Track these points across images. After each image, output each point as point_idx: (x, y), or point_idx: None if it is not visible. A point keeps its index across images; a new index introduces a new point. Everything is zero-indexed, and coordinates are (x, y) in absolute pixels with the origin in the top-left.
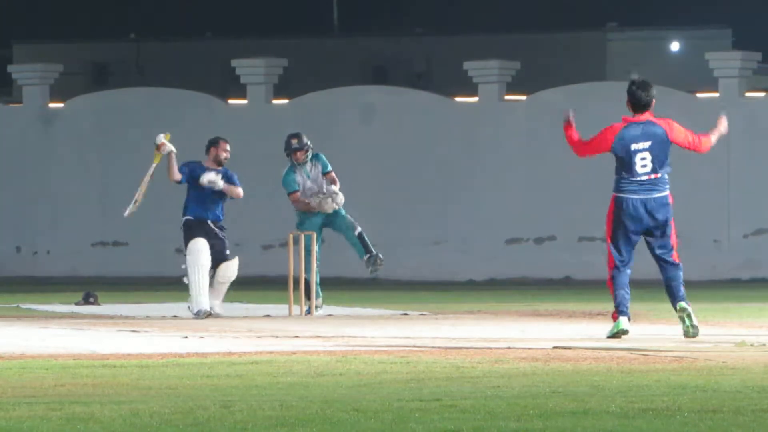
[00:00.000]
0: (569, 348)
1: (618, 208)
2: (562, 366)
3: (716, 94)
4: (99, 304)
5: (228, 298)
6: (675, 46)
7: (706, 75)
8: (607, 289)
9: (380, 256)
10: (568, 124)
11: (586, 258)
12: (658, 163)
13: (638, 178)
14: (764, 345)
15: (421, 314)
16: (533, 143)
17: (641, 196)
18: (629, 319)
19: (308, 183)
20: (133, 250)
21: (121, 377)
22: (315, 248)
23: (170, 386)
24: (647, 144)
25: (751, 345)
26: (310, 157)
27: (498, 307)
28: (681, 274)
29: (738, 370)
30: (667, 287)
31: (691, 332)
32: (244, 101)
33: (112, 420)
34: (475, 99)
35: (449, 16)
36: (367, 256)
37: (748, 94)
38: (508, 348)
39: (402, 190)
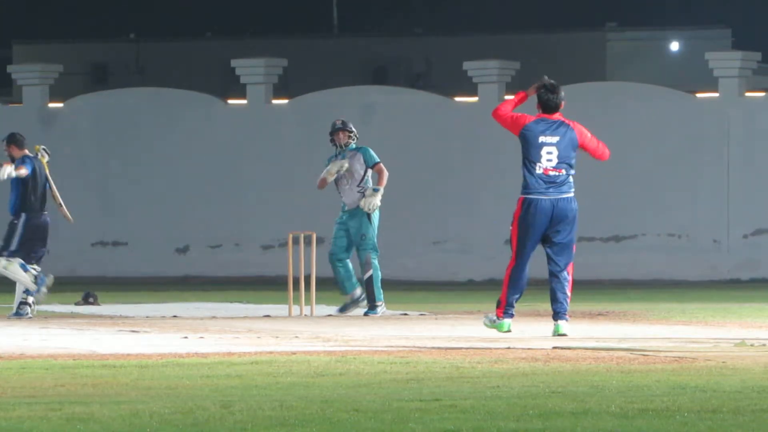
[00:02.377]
0: (569, 348)
1: (526, 211)
2: (561, 366)
3: (716, 94)
4: (99, 304)
5: (228, 298)
6: (675, 46)
7: (706, 75)
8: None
9: (375, 312)
10: (524, 94)
11: (585, 258)
12: (563, 160)
13: (543, 174)
14: (764, 345)
15: (421, 314)
16: None
17: (550, 197)
18: (512, 318)
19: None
20: (132, 250)
21: (120, 377)
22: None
23: (170, 386)
24: (555, 139)
25: (751, 345)
26: (352, 146)
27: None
28: (567, 287)
29: (738, 370)
30: (552, 294)
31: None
32: (244, 101)
33: (112, 420)
34: (474, 99)
35: (449, 16)
36: (367, 305)
37: (747, 94)
38: (508, 348)
39: (402, 190)
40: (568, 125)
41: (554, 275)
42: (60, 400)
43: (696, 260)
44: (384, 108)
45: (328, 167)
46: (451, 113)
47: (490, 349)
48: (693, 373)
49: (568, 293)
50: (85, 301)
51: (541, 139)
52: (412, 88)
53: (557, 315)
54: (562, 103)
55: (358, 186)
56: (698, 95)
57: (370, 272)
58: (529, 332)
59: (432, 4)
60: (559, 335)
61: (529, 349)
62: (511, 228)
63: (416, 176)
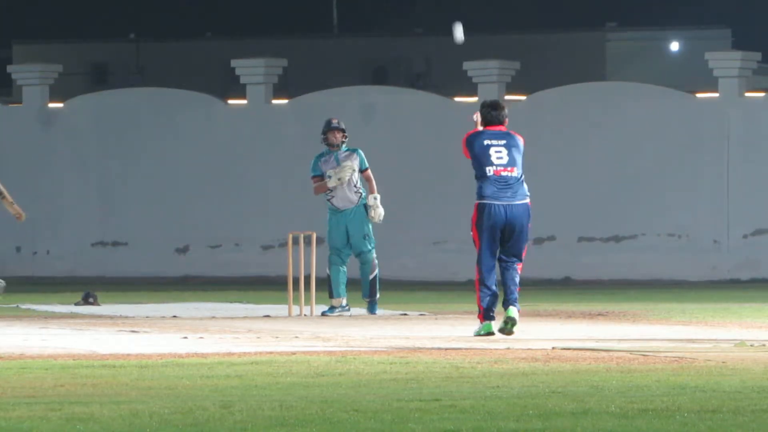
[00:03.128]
0: (569, 348)
1: (481, 216)
2: (561, 366)
3: (716, 94)
4: (99, 304)
5: (228, 298)
6: (675, 46)
7: (706, 75)
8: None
9: (376, 310)
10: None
11: (585, 258)
12: (513, 160)
13: (495, 175)
14: (764, 345)
15: (421, 314)
16: (533, 143)
17: (503, 202)
18: (494, 320)
19: (336, 168)
20: (132, 250)
21: (120, 377)
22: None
23: (170, 386)
24: (502, 142)
25: (751, 345)
26: (345, 146)
27: (498, 307)
28: (517, 277)
29: (737, 370)
30: (504, 285)
31: (506, 330)
32: (244, 101)
33: (112, 420)
34: (474, 99)
35: (449, 16)
36: (368, 299)
37: (747, 94)
38: (508, 348)
39: (402, 190)
40: (514, 135)
41: (504, 268)
42: (60, 400)
43: (696, 260)
44: (384, 108)
45: (336, 174)
46: (451, 113)
47: (490, 349)
48: (693, 373)
49: (517, 283)
50: (85, 301)
51: (487, 142)
52: (412, 88)
53: (508, 302)
54: (506, 120)
55: (354, 186)
56: (698, 95)
57: (376, 271)
58: (529, 332)
59: (432, 4)
60: (509, 317)
61: (529, 349)
62: (471, 233)
63: (416, 176)
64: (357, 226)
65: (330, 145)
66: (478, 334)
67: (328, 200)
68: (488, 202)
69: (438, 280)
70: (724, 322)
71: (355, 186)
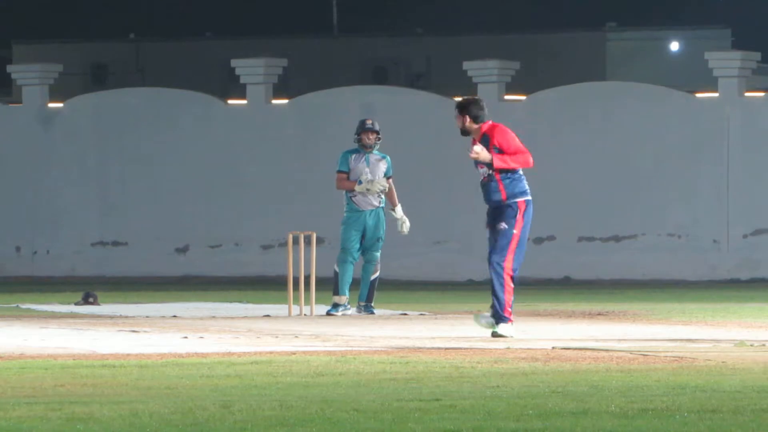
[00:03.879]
0: (569, 348)
1: (528, 212)
2: (561, 366)
3: (716, 94)
4: (98, 304)
5: (228, 298)
6: (674, 46)
7: (706, 75)
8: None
9: (374, 311)
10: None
11: (585, 258)
12: None
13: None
14: (764, 345)
15: (421, 314)
16: (533, 143)
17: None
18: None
19: (366, 170)
20: (132, 250)
21: (120, 377)
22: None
23: (170, 386)
24: None
25: (751, 345)
26: (377, 147)
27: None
28: None
29: (738, 370)
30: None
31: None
32: (244, 101)
33: (112, 420)
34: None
35: (449, 16)
36: (364, 303)
37: (747, 94)
38: (508, 348)
39: (402, 190)
40: None
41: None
42: (60, 400)
43: (696, 260)
44: (384, 108)
45: (368, 185)
46: (451, 113)
47: (490, 349)
48: (693, 373)
49: None
50: (85, 301)
51: None
52: (412, 88)
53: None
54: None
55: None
56: (698, 95)
57: (378, 273)
58: (529, 332)
59: (432, 4)
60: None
61: (529, 349)
62: (514, 231)
63: (416, 176)
64: (375, 228)
65: (364, 146)
66: (504, 333)
67: (351, 198)
68: (530, 198)
69: (438, 280)
70: (724, 322)
71: (378, 192)
